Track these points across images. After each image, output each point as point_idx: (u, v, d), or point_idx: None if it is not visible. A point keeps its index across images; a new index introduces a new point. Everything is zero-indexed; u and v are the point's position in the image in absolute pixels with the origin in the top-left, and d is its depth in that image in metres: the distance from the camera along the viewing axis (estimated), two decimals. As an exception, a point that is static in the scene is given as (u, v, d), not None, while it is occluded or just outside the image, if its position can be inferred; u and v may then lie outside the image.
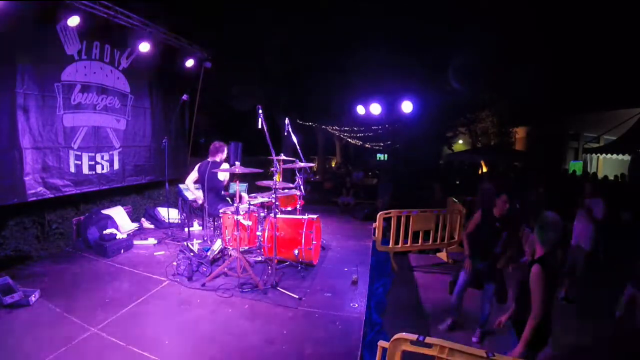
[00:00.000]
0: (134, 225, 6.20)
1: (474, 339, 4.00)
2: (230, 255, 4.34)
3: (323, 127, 16.80)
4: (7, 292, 3.43)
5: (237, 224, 4.26)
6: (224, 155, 5.31)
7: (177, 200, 6.68)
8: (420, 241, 6.31)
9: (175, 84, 7.26)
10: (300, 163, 5.33)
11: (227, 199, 5.37)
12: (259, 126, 4.16)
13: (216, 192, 5.24)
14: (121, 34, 5.71)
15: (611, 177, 11.55)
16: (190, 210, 6.23)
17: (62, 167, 5.08)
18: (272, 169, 4.35)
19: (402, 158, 16.99)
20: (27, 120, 4.52)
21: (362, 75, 11.97)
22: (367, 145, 19.45)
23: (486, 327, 3.99)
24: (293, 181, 5.73)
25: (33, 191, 4.64)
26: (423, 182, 9.89)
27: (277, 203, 4.43)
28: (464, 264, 4.06)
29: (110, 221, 5.50)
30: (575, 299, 4.80)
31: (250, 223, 4.43)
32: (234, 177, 5.51)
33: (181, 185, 6.36)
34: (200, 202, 5.30)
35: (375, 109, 10.02)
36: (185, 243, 4.97)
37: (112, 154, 6.03)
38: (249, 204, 4.52)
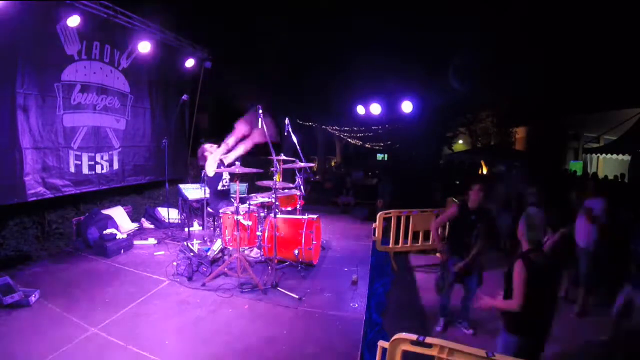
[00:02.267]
0: (134, 225, 6.20)
1: (467, 332, 4.10)
2: (230, 255, 4.34)
3: (323, 127, 16.79)
4: (7, 292, 3.43)
5: (237, 224, 4.27)
6: (208, 157, 5.34)
7: (177, 200, 6.67)
8: (420, 241, 6.31)
9: (175, 84, 7.27)
10: (300, 163, 5.34)
11: (231, 197, 5.38)
12: (259, 126, 4.17)
13: (214, 192, 5.28)
14: (121, 34, 5.71)
15: (611, 177, 11.54)
16: (190, 210, 6.23)
17: (62, 167, 5.08)
18: (272, 169, 4.35)
19: (402, 158, 16.97)
20: (27, 120, 4.52)
21: (362, 75, 11.96)
22: (367, 145, 19.46)
23: (469, 316, 4.10)
24: (293, 181, 5.73)
25: (33, 191, 4.64)
26: (423, 182, 9.88)
27: (277, 203, 4.43)
28: (445, 261, 4.08)
29: (110, 221, 5.50)
30: (576, 298, 4.80)
31: (250, 223, 4.43)
32: (234, 177, 5.52)
33: (181, 185, 6.36)
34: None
35: (375, 109, 10.02)
36: (185, 243, 4.98)
37: (112, 154, 6.03)
38: (249, 204, 4.53)
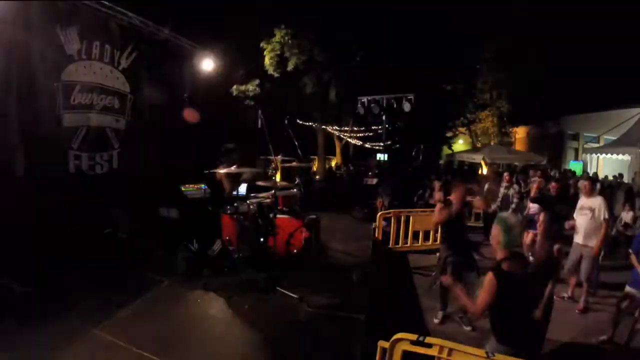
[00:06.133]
0: (134, 225, 6.18)
1: (466, 328, 4.10)
2: (231, 254, 4.34)
3: (323, 127, 16.78)
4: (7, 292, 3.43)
5: (237, 223, 4.26)
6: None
7: (177, 200, 6.65)
8: (420, 241, 6.32)
9: (176, 84, 7.25)
10: (299, 163, 5.34)
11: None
12: (259, 126, 4.17)
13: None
14: (121, 34, 5.70)
15: (611, 177, 11.55)
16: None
17: (61, 167, 5.07)
18: (272, 168, 4.35)
19: (402, 158, 17.00)
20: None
21: (362, 74, 11.96)
22: (367, 145, 19.44)
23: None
24: (293, 181, 5.73)
25: (33, 191, 4.63)
26: (423, 182, 9.88)
27: (277, 203, 4.43)
28: (445, 258, 4.18)
29: (110, 221, 5.48)
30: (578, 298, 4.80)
31: (250, 223, 4.42)
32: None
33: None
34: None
35: (376, 108, 10.02)
36: (185, 243, 4.97)
37: (112, 154, 6.02)
38: (249, 204, 4.52)
